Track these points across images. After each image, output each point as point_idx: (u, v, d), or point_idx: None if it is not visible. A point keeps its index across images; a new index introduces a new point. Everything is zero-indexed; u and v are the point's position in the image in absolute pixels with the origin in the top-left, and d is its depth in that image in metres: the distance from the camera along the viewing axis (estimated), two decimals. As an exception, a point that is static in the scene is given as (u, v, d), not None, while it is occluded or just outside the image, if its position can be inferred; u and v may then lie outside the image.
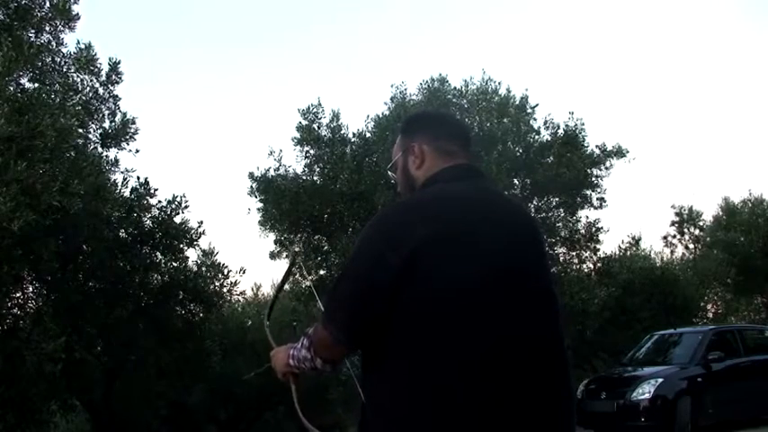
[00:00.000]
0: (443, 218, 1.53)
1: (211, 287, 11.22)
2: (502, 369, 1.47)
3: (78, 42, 9.40)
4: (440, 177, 1.69)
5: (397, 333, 1.51)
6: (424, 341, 1.48)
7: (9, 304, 8.87)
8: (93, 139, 9.75)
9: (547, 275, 1.67)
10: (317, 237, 13.03)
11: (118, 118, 9.85)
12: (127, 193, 9.87)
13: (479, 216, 1.57)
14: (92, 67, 9.40)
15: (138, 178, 10.05)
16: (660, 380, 9.14)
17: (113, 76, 9.71)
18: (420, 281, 1.48)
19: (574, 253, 13.96)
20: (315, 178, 12.73)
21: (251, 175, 12.66)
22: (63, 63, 9.30)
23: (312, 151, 12.74)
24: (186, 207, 10.38)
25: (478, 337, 1.48)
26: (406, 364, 1.50)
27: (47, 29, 9.07)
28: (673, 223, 19.15)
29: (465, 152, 1.76)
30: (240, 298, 13.93)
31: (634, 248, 16.28)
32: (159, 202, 10.30)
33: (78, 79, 9.41)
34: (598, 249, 14.06)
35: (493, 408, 1.45)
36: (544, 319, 1.58)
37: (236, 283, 11.62)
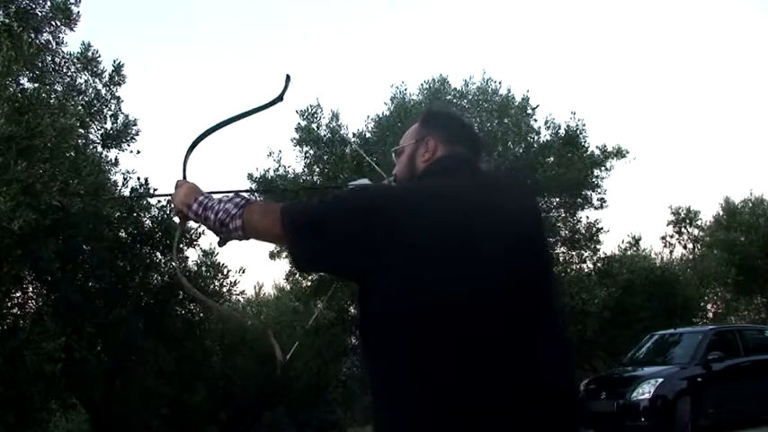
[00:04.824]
0: (435, 218, 1.51)
1: (211, 287, 11.22)
2: (500, 372, 1.45)
3: (83, 43, 9.43)
4: (431, 169, 1.70)
5: (389, 336, 1.50)
6: (414, 345, 1.47)
7: (9, 304, 8.87)
8: (94, 139, 9.75)
9: (545, 275, 1.63)
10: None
11: (120, 119, 9.86)
12: (127, 192, 9.86)
13: (472, 215, 1.53)
14: (93, 68, 9.40)
15: (139, 178, 10.02)
16: (660, 380, 9.15)
17: (116, 78, 9.71)
18: (407, 279, 1.47)
19: (574, 253, 13.98)
20: (315, 178, 12.73)
21: (250, 176, 12.67)
22: (63, 63, 9.31)
23: (312, 151, 12.74)
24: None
25: (471, 340, 1.45)
26: (405, 367, 1.48)
27: (47, 29, 9.08)
28: (669, 223, 19.15)
29: (475, 160, 1.77)
30: (240, 298, 13.91)
31: (634, 248, 16.29)
32: (159, 201, 10.31)
33: (82, 80, 9.43)
34: (598, 249, 14.10)
35: (496, 410, 1.44)
36: (540, 320, 1.54)
37: (235, 283, 11.61)
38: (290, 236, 1.56)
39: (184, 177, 1.90)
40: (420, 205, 1.53)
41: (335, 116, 12.73)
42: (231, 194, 1.69)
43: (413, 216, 1.50)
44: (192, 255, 13.24)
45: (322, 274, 12.79)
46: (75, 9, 9.10)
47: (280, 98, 1.99)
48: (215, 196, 1.73)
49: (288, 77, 1.98)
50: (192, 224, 10.62)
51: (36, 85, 8.59)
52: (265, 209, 1.66)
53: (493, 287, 1.49)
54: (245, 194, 1.71)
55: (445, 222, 1.50)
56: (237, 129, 2.07)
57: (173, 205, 1.81)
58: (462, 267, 1.48)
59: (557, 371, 1.53)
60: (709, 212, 24.93)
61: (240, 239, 1.66)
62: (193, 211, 1.72)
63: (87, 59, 9.28)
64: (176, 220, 1.87)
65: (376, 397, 1.55)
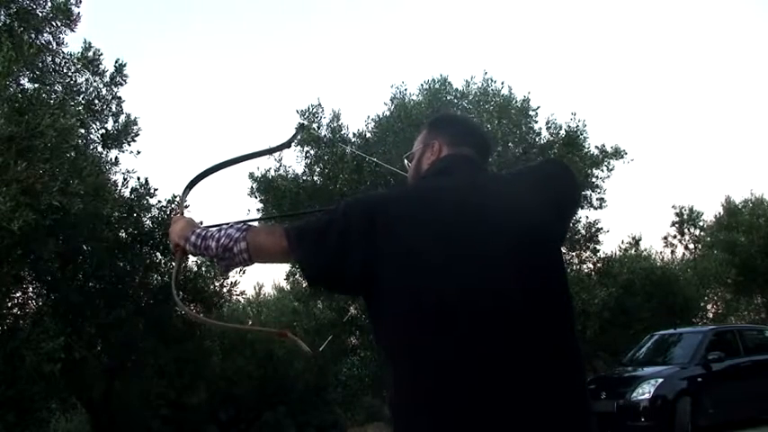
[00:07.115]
0: (424, 219, 1.53)
1: (211, 287, 11.23)
2: (493, 372, 1.44)
3: (84, 41, 9.42)
4: (432, 170, 1.73)
5: (390, 343, 1.54)
6: (405, 349, 1.50)
7: (9, 304, 8.87)
8: (95, 139, 9.74)
9: (548, 275, 1.59)
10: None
11: (121, 119, 9.83)
12: (127, 193, 9.87)
13: (464, 212, 1.54)
14: (94, 68, 9.39)
15: (138, 178, 10.04)
16: (660, 380, 9.13)
17: (118, 78, 9.68)
18: (400, 281, 1.49)
19: (574, 253, 13.96)
20: (315, 178, 12.72)
21: (251, 176, 12.66)
22: (64, 63, 9.30)
23: (312, 151, 12.73)
24: (186, 207, 10.34)
25: (460, 341, 1.45)
26: (403, 371, 1.51)
27: (47, 29, 9.08)
28: (673, 224, 19.15)
29: (481, 162, 1.79)
30: (240, 298, 13.95)
31: (634, 249, 16.29)
32: (159, 201, 10.32)
33: (82, 80, 9.42)
34: (598, 249, 14.07)
35: (493, 413, 1.43)
36: (538, 322, 1.50)
37: (235, 283, 11.63)
38: (294, 246, 1.58)
39: (181, 213, 1.91)
40: (411, 207, 1.57)
41: (336, 116, 12.71)
42: (231, 222, 1.71)
43: (404, 219, 1.53)
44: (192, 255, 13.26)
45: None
46: (75, 10, 9.11)
47: (288, 144, 2.03)
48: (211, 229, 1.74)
49: (301, 126, 2.01)
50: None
51: (36, 85, 8.58)
52: (269, 228, 1.74)
53: (486, 286, 1.48)
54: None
55: (434, 222, 1.52)
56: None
57: (171, 239, 1.80)
58: (454, 268, 1.49)
59: (554, 370, 1.51)
60: (710, 213, 24.92)
61: (244, 263, 1.67)
62: (191, 242, 1.72)
63: (88, 60, 9.27)
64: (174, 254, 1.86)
65: (390, 404, 1.58)
